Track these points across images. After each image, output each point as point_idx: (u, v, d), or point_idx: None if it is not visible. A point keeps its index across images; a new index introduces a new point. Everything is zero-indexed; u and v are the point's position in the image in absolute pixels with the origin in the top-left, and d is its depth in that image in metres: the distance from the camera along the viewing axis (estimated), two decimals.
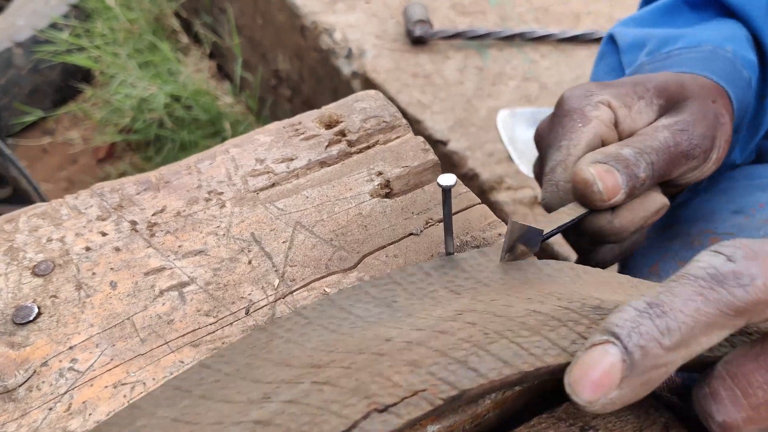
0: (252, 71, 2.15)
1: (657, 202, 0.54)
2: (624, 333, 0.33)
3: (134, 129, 2.16)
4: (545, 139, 0.56)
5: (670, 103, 0.56)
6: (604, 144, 0.54)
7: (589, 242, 0.55)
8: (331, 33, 1.67)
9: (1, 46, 2.14)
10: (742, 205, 0.66)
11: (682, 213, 0.70)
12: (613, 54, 0.72)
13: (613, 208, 0.52)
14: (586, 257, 0.59)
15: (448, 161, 1.41)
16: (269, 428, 0.33)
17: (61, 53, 2.19)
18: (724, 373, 0.35)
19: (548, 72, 1.55)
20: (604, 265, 0.59)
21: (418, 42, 1.60)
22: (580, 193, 0.50)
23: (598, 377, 0.33)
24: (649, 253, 0.68)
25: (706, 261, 0.34)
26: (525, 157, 1.36)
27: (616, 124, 0.55)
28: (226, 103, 2.21)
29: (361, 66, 1.59)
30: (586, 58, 1.58)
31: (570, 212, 0.50)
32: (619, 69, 0.70)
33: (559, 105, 0.56)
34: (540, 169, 0.59)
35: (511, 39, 1.62)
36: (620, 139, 0.55)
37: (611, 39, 0.74)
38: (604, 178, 0.49)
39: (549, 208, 0.53)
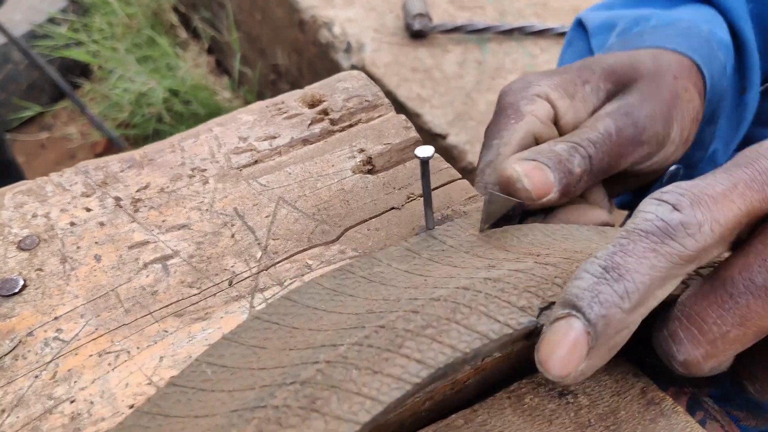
0: (251, 66, 2.16)
1: (598, 218, 0.50)
2: (585, 304, 0.34)
3: (132, 124, 2.18)
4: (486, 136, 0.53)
5: (618, 87, 0.52)
6: (538, 142, 0.50)
7: None
8: (330, 27, 1.68)
9: None
10: None
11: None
12: (581, 39, 0.70)
13: (548, 211, 0.49)
14: None
15: (448, 155, 1.42)
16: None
17: (59, 48, 2.20)
18: (680, 315, 0.36)
19: (547, 66, 1.56)
20: None
21: (417, 36, 1.61)
22: (506, 192, 0.46)
23: (565, 353, 0.34)
24: None
25: (652, 212, 0.35)
26: None
27: (556, 119, 0.51)
28: (225, 98, 2.22)
29: (360, 60, 1.60)
30: None
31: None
32: (587, 54, 0.68)
33: (498, 99, 0.52)
34: None
35: (510, 33, 1.62)
36: (562, 134, 0.51)
37: (579, 24, 0.71)
38: (532, 174, 0.45)
39: None
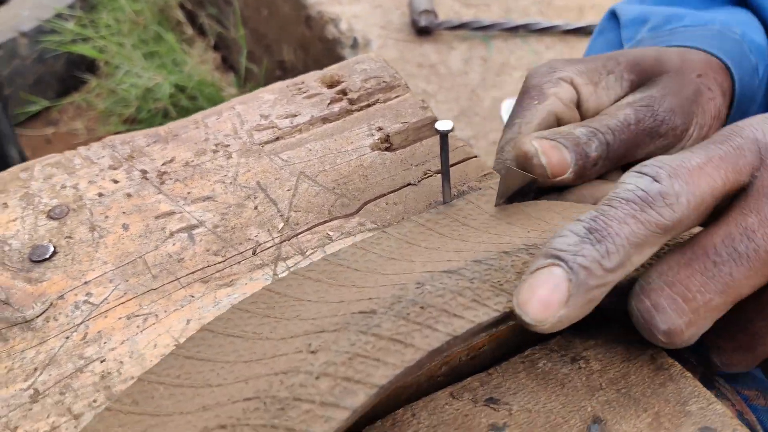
0: (257, 62, 2.17)
1: (609, 191, 0.52)
2: (568, 256, 0.35)
3: (138, 119, 2.19)
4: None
5: (642, 79, 0.53)
6: (560, 124, 0.51)
7: None
8: (337, 23, 1.69)
9: (6, 36, 2.16)
10: None
11: None
12: (612, 30, 0.71)
13: (562, 189, 0.50)
14: None
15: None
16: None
17: (66, 43, 2.21)
18: (662, 284, 0.37)
19: None
20: None
21: (423, 32, 1.62)
22: (522, 167, 0.48)
23: (545, 295, 0.35)
24: None
25: (633, 183, 0.36)
26: None
27: (579, 103, 0.52)
28: (231, 95, 2.23)
29: None
30: None
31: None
32: (618, 45, 0.69)
33: (524, 82, 0.54)
34: None
35: (515, 30, 1.64)
36: (583, 119, 0.52)
37: (612, 15, 0.73)
38: (549, 153, 0.47)
39: None
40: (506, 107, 1.47)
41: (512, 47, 1.65)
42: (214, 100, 2.15)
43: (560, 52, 1.61)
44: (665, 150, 0.53)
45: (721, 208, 0.38)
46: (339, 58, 1.68)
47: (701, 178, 0.36)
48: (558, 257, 0.35)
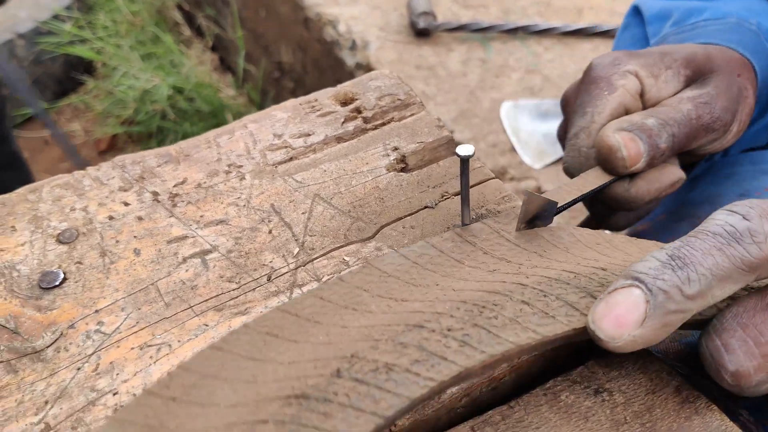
0: (255, 64, 2.16)
1: (674, 174, 0.55)
2: (648, 279, 0.36)
3: (136, 121, 2.17)
4: (571, 104, 0.58)
5: (696, 75, 0.56)
6: (627, 113, 0.54)
7: (606, 208, 0.57)
8: (335, 25, 1.68)
9: (3, 37, 2.14)
10: (747, 188, 0.68)
11: (689, 196, 0.72)
12: (637, 26, 0.74)
13: (632, 177, 0.53)
14: (600, 221, 0.62)
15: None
16: None
17: (63, 45, 2.19)
18: (735, 325, 0.37)
19: (551, 64, 1.57)
20: (618, 230, 0.62)
21: (421, 34, 1.61)
22: (604, 159, 0.51)
23: (622, 313, 0.36)
24: (656, 234, 0.70)
25: (722, 219, 0.37)
26: (528, 148, 1.37)
27: (641, 94, 0.55)
28: (229, 96, 2.22)
29: (364, 57, 1.60)
30: (588, 51, 1.59)
31: (591, 179, 0.52)
32: (644, 40, 0.72)
33: (587, 72, 0.56)
34: (564, 132, 0.60)
35: (514, 32, 1.63)
36: (644, 108, 0.56)
37: (636, 10, 0.75)
38: (629, 145, 0.50)
39: (570, 172, 0.55)
40: (505, 109, 1.46)
41: (511, 49, 1.64)
42: (212, 101, 2.13)
43: (559, 53, 1.60)
44: (714, 141, 0.57)
45: None
46: (338, 60, 1.67)
47: None
48: (638, 279, 0.36)
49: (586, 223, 0.64)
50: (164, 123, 2.14)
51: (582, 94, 0.55)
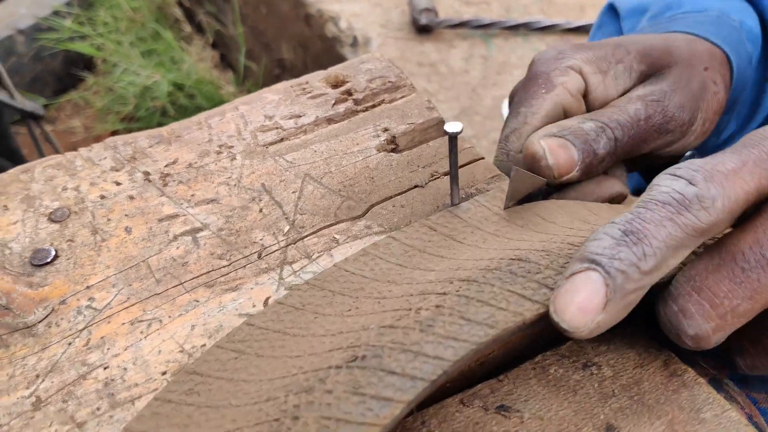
0: (255, 60, 2.16)
1: (613, 188, 0.50)
2: (605, 260, 0.35)
3: (136, 117, 2.18)
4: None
5: (652, 69, 0.53)
6: (567, 115, 0.50)
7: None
8: (337, 21, 1.68)
9: (3, 33, 2.15)
10: None
11: None
12: (612, 23, 0.71)
13: (562, 187, 0.49)
14: None
15: None
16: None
17: (63, 41, 2.20)
18: (690, 289, 0.37)
19: None
20: None
21: (423, 31, 1.62)
22: (530, 168, 0.47)
23: (583, 302, 0.34)
24: None
25: (668, 185, 0.36)
26: None
27: (586, 93, 0.51)
28: (229, 92, 2.22)
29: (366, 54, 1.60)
30: None
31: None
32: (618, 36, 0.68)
33: (530, 66, 0.52)
34: None
35: (515, 29, 1.63)
36: (590, 109, 0.52)
37: (611, 8, 0.72)
38: (557, 152, 0.46)
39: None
40: (507, 106, 1.46)
41: (513, 46, 1.64)
42: (213, 98, 2.14)
43: None
44: (669, 145, 0.53)
45: (748, 213, 0.38)
46: (339, 57, 1.67)
47: (736, 181, 0.36)
48: (594, 261, 0.35)
49: None
50: (164, 119, 2.15)
51: (519, 92, 0.51)
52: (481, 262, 0.41)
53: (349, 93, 0.55)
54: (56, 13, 2.24)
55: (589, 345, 0.42)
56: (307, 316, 0.40)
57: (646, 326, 0.42)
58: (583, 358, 0.42)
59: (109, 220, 0.46)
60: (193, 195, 0.48)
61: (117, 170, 0.49)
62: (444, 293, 0.38)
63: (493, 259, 0.40)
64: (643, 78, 0.53)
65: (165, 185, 0.48)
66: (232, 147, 0.51)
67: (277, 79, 2.08)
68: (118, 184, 0.48)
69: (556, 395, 0.40)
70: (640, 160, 0.55)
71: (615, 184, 0.50)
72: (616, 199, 0.51)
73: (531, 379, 0.41)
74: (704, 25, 0.58)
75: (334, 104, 0.54)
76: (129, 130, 2.22)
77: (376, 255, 0.43)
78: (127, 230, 0.46)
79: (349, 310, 0.40)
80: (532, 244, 0.42)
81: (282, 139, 0.52)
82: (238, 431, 0.33)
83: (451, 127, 0.43)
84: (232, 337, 0.39)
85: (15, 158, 1.64)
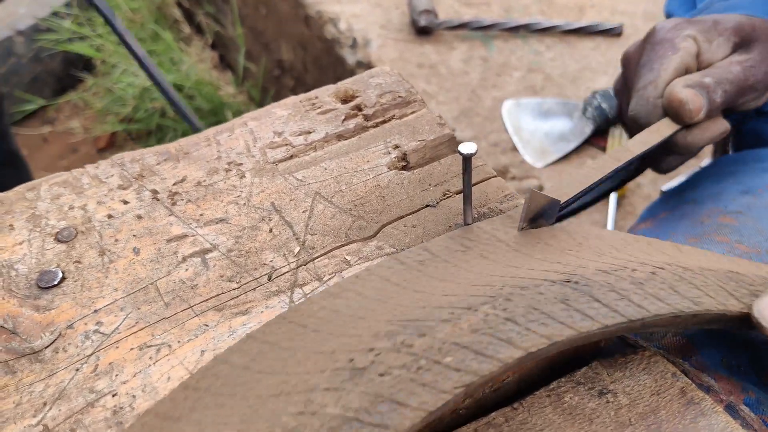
0: (255, 61, 2.15)
1: (723, 125, 0.64)
2: None
3: (135, 118, 2.17)
4: (633, 61, 0.67)
5: (742, 42, 0.65)
6: (687, 72, 0.63)
7: (662, 152, 0.66)
8: (336, 22, 1.67)
9: (2, 34, 2.14)
10: (749, 185, 0.68)
11: (692, 194, 0.72)
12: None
13: (689, 126, 0.62)
14: (653, 164, 0.70)
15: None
16: None
17: (62, 42, 2.18)
18: None
19: (553, 63, 1.56)
20: (668, 171, 0.70)
21: (423, 32, 1.61)
22: (674, 111, 0.60)
23: None
24: (660, 230, 0.70)
25: None
26: (530, 147, 1.36)
27: (697, 56, 0.64)
28: (229, 93, 2.21)
29: (365, 56, 1.59)
30: (590, 49, 1.58)
31: (663, 129, 0.61)
32: (691, 3, 0.82)
33: (652, 34, 0.66)
34: (622, 86, 0.70)
35: (515, 30, 1.62)
36: (699, 68, 0.64)
37: None
38: (693, 99, 0.60)
39: (637, 119, 0.63)
40: (507, 107, 1.45)
41: (513, 47, 1.63)
42: (212, 99, 2.12)
43: (561, 52, 1.60)
44: (753, 100, 0.66)
45: None
46: (338, 58, 1.66)
47: None
48: None
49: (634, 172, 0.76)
50: (164, 121, 2.13)
51: (648, 53, 0.65)
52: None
53: (359, 108, 0.54)
54: (55, 14, 2.23)
55: (604, 371, 0.42)
56: None
57: (663, 352, 0.42)
58: (598, 385, 0.41)
59: (116, 240, 0.46)
60: (201, 214, 0.47)
61: (124, 188, 0.48)
62: (662, 268, 0.42)
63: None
64: (736, 48, 0.65)
65: (173, 204, 0.47)
66: (241, 164, 0.50)
67: (276, 80, 2.07)
68: (125, 202, 0.48)
69: (571, 424, 0.39)
70: (728, 111, 0.67)
71: (724, 122, 0.64)
72: (724, 133, 0.64)
73: (546, 407, 0.40)
74: (765, 5, 0.70)
75: (344, 120, 0.53)
76: (128, 132, 2.21)
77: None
78: (135, 251, 0.45)
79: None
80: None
81: (292, 156, 0.51)
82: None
83: (465, 148, 0.42)
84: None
85: (15, 159, 1.63)
